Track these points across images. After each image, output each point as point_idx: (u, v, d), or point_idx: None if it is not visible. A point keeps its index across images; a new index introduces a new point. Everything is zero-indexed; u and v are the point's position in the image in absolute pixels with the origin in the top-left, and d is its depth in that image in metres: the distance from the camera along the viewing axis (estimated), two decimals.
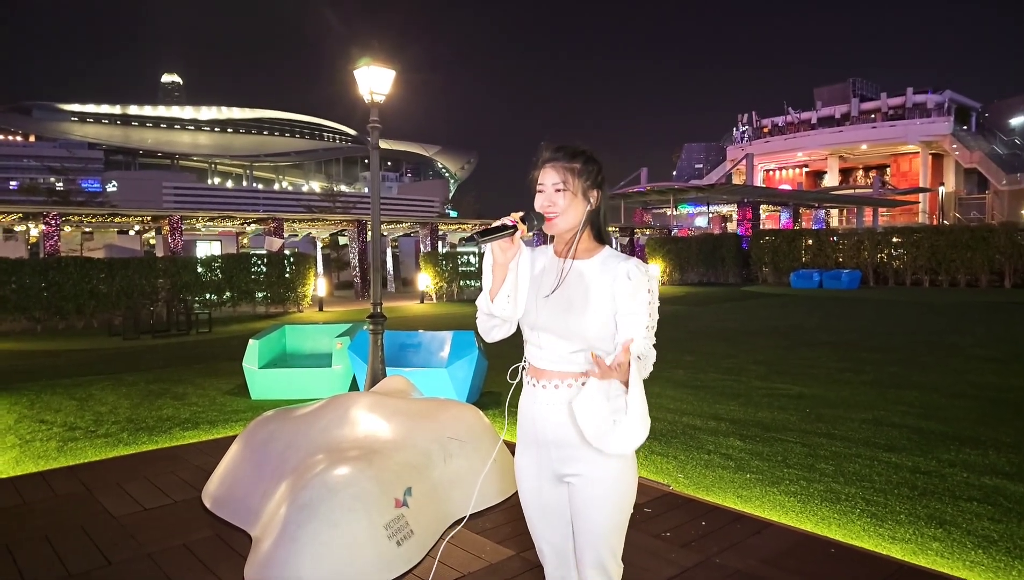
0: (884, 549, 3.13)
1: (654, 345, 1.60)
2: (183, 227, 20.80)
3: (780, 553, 2.97)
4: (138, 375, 8.30)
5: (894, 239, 24.22)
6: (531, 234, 1.61)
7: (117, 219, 21.44)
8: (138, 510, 3.51)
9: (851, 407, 5.92)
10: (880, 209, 41.57)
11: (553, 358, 1.62)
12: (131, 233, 25.48)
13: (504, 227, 1.55)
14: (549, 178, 1.61)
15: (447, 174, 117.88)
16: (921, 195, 49.29)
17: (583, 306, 1.57)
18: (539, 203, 1.62)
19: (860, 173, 58.34)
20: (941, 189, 50.72)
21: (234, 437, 4.26)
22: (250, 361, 6.67)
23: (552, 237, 1.69)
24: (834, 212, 47.56)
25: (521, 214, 1.58)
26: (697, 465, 4.43)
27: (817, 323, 12.93)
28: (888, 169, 56.71)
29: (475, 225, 27.80)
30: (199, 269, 17.50)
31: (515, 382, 1.75)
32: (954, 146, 50.09)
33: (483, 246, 1.58)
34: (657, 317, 1.60)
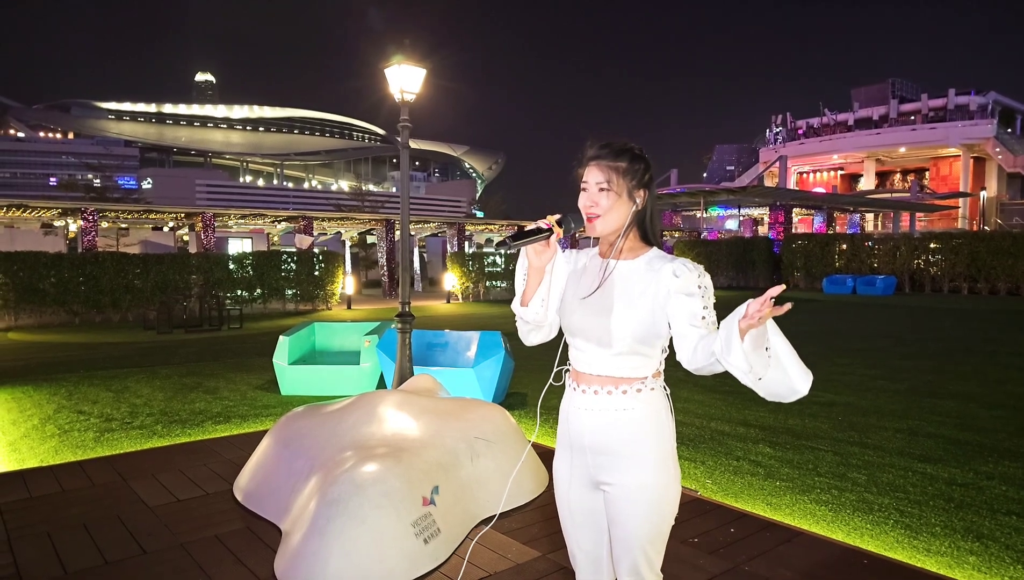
0: (919, 562, 3.05)
1: None
2: (215, 224, 21.21)
3: (811, 563, 2.92)
4: (171, 369, 8.48)
5: (932, 245, 23.61)
6: (568, 237, 1.58)
7: (152, 215, 21.95)
8: (172, 501, 3.59)
9: (884, 416, 5.79)
10: (918, 214, 40.56)
11: (594, 362, 1.58)
12: (165, 229, 26.07)
13: (539, 230, 1.51)
14: (593, 177, 1.56)
15: (474, 174, 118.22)
16: (961, 200, 47.98)
17: (624, 308, 1.52)
18: (582, 202, 1.57)
19: (898, 177, 57.04)
20: (983, 194, 49.32)
21: (264, 431, 4.32)
22: (280, 357, 6.77)
23: (597, 238, 1.63)
24: (869, 216, 46.59)
25: (558, 217, 1.54)
26: (726, 471, 4.37)
27: (850, 329, 12.68)
28: (927, 173, 55.33)
29: (502, 226, 27.85)
30: (231, 266, 17.82)
31: (557, 384, 1.72)
32: (997, 149, 48.71)
33: (517, 249, 1.54)
34: (715, 315, 1.52)
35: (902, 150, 54.07)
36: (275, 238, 27.66)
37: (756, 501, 3.84)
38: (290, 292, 18.66)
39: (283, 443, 3.56)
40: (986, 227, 42.56)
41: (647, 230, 1.61)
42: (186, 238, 27.20)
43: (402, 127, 6.12)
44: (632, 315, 1.51)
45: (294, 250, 20.00)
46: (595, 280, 1.59)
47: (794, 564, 2.91)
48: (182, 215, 22.13)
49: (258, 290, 18.09)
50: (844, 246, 25.61)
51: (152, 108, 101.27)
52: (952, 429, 5.33)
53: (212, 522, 3.30)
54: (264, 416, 5.85)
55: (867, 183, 55.80)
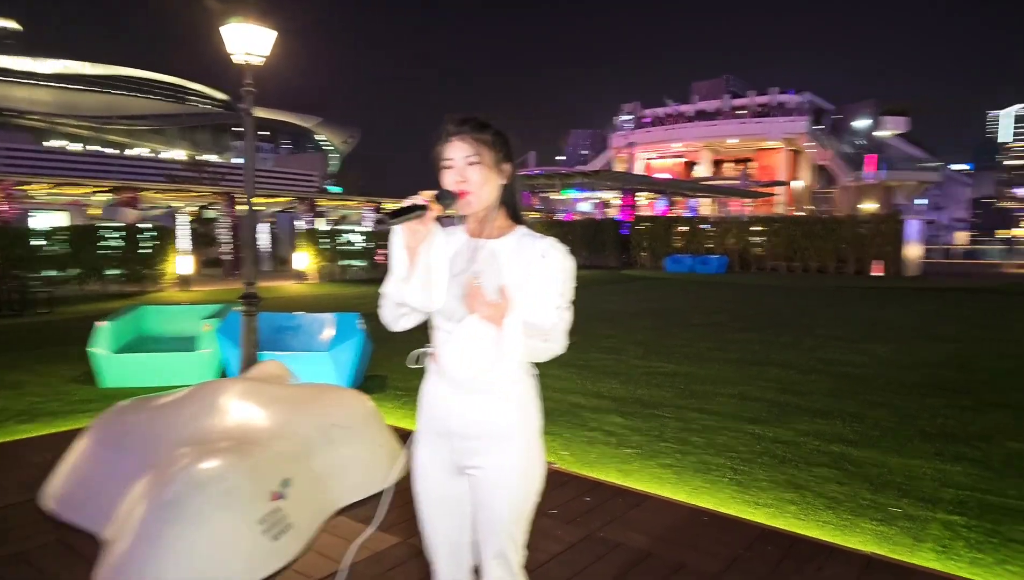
0: (749, 515, 3.34)
1: (566, 329, 1.52)
2: (17, 193, 18.52)
3: (658, 524, 3.10)
4: None
5: (757, 228, 26.20)
6: (445, 213, 1.49)
7: None
8: None
9: (720, 383, 6.31)
10: (745, 200, 44.78)
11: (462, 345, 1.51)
12: None
13: (415, 207, 1.41)
14: (459, 152, 1.48)
15: (329, 148, 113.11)
16: (780, 188, 53.60)
17: (496, 289, 1.47)
18: (450, 180, 1.48)
19: (729, 165, 62.51)
20: (798, 183, 55.48)
21: (81, 430, 3.82)
22: (100, 344, 6.04)
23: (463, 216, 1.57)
24: (705, 201, 50.71)
25: (435, 193, 1.44)
26: (581, 442, 4.54)
27: (689, 305, 13.72)
28: (753, 163, 61.20)
29: (360, 202, 26.98)
30: (37, 241, 15.60)
31: (416, 367, 1.63)
32: (809, 144, 54.88)
33: (392, 227, 1.45)
34: (570, 298, 1.53)
35: (733, 141, 59.31)
36: (95, 211, 24.73)
37: (609, 469, 4.01)
38: (113, 272, 16.75)
39: (105, 441, 3.16)
40: (800, 213, 47.91)
41: (515, 206, 1.57)
42: None
43: (246, 92, 5.64)
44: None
45: (118, 224, 17.98)
46: (465, 260, 1.52)
47: (644, 527, 3.07)
48: None
49: (73, 269, 16.05)
50: (684, 228, 27.73)
51: None
52: (775, 393, 5.92)
53: (13, 538, 2.85)
54: (80, 412, 5.19)
55: (703, 170, 60.59)
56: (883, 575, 2.65)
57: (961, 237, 72.87)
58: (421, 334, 1.63)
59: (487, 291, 1.47)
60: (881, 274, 22.49)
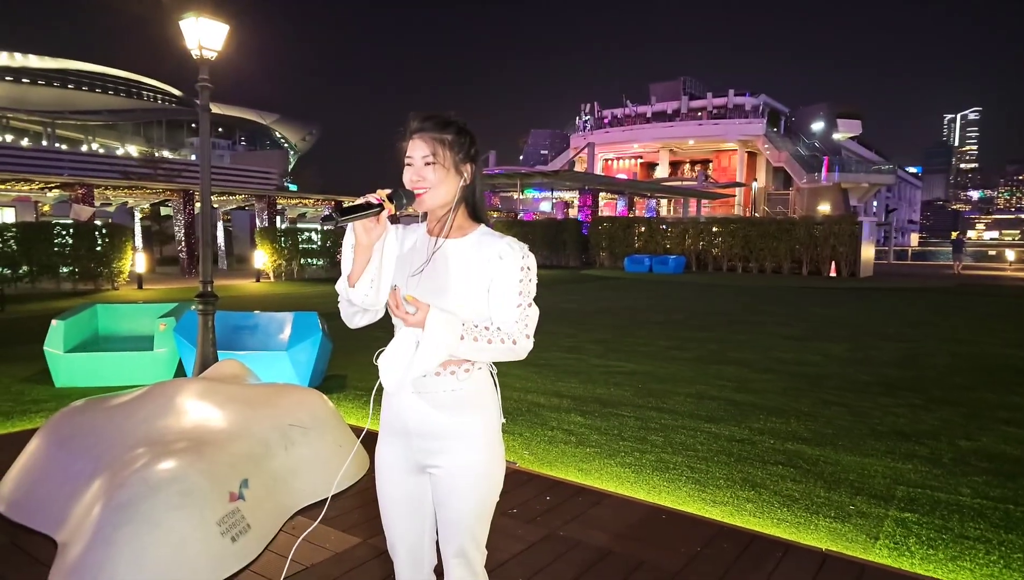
0: (706, 512, 3.42)
1: (528, 333, 1.53)
2: None
3: (618, 522, 3.16)
4: None
5: (714, 229, 26.70)
6: (399, 213, 1.51)
7: None
8: None
9: (677, 382, 6.43)
10: (703, 200, 45.55)
11: None
12: None
13: (368, 205, 1.42)
14: (418, 150, 1.50)
15: (287, 145, 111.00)
16: (738, 189, 54.66)
17: (453, 289, 1.49)
18: (407, 177, 1.51)
19: (687, 166, 63.45)
20: (754, 184, 56.67)
21: (34, 430, 3.72)
22: (54, 344, 5.86)
23: (425, 214, 1.59)
24: (664, 202, 51.43)
25: (388, 192, 1.46)
26: (541, 441, 4.58)
27: (648, 305, 13.92)
28: (711, 164, 62.24)
29: (318, 200, 26.59)
30: None
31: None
32: (766, 146, 56.06)
33: (344, 225, 1.44)
34: (531, 296, 1.55)
35: (691, 142, 60.19)
36: (46, 208, 23.86)
37: (569, 468, 4.06)
38: (66, 270, 16.22)
39: (58, 442, 3.09)
40: (756, 214, 48.97)
41: (476, 206, 1.59)
42: None
43: (201, 88, 5.52)
44: (460, 296, 1.50)
45: (70, 222, 17.39)
46: (423, 259, 1.54)
47: (603, 525, 3.12)
48: None
49: (24, 267, 15.49)
50: (642, 229, 28.08)
51: None
52: (731, 392, 6.07)
53: None
54: (33, 413, 5.03)
55: (662, 171, 61.35)
56: (839, 571, 2.72)
57: (912, 239, 75.51)
58: (382, 333, 1.64)
59: (443, 290, 1.49)
60: (835, 275, 23.16)
